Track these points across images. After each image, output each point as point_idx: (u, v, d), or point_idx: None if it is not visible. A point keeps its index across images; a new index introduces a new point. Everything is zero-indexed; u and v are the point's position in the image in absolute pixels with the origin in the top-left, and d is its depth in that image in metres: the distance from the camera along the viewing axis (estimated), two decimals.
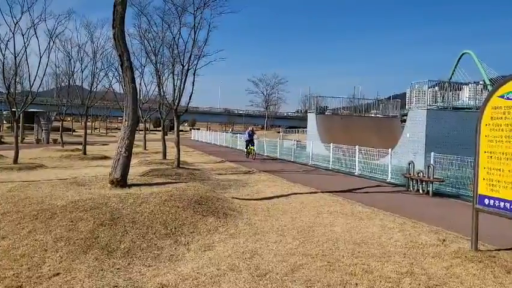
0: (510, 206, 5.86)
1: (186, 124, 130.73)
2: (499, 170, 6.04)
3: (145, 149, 30.68)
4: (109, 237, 6.34)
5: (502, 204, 6.00)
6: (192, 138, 60.82)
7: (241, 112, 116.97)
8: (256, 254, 6.18)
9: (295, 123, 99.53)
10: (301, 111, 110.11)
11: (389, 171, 15.78)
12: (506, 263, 5.87)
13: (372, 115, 35.14)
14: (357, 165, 17.96)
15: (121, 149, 9.23)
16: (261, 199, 10.72)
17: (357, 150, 17.99)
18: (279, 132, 72.45)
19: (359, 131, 28.85)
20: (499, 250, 6.57)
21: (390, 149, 16.57)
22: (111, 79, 30.21)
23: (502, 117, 6.02)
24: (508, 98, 5.92)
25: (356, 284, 5.06)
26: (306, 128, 35.42)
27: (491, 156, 6.19)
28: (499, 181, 6.04)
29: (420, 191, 12.79)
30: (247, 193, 11.66)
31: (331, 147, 20.54)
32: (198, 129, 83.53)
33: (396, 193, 12.97)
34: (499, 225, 7.76)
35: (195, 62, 17.32)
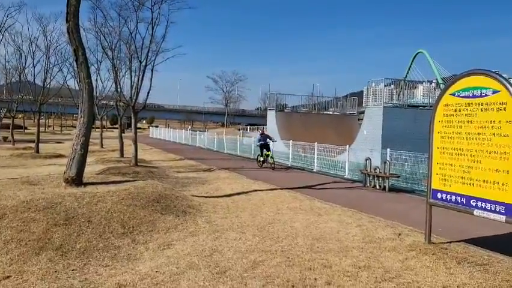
0: (461, 199, 6.08)
1: (144, 121, 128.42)
2: (451, 165, 6.25)
3: (101, 147, 29.99)
4: (64, 238, 6.14)
5: (453, 198, 6.22)
6: (150, 135, 59.93)
7: (200, 109, 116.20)
8: (216, 251, 6.14)
9: (256, 120, 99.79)
10: (261, 108, 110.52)
11: (347, 168, 16.08)
12: (457, 255, 6.10)
13: (331, 113, 35.72)
14: (316, 161, 18.20)
15: (76, 146, 8.95)
16: (221, 196, 10.67)
17: (315, 147, 18.22)
18: (239, 130, 72.41)
19: (317, 128, 29.23)
20: (450, 242, 6.82)
21: (347, 146, 16.88)
22: (66, 75, 29.26)
23: (453, 114, 6.23)
24: (458, 96, 6.14)
25: (315, 278, 5.12)
26: (266, 125, 35.59)
27: (443, 152, 6.41)
28: (450, 176, 6.26)
29: (377, 186, 13.09)
30: (207, 191, 11.59)
31: (290, 144, 20.72)
32: (157, 126, 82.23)
33: (353, 189, 13.22)
34: (451, 218, 8.05)
35: (153, 58, 17.03)
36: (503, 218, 5.44)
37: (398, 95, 25.51)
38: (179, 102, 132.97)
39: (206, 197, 10.49)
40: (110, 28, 19.57)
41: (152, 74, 17.09)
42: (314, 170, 17.93)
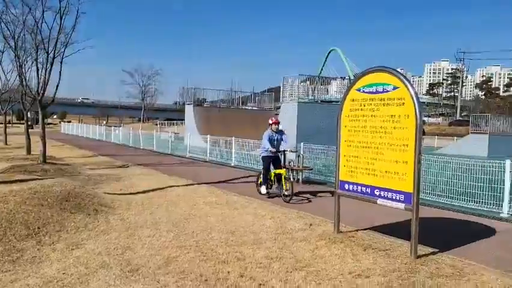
0: (366, 189, 6.45)
1: (55, 117, 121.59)
2: (356, 157, 6.61)
3: (6, 143, 27.91)
4: None
5: (359, 188, 6.58)
6: (62, 131, 56.91)
7: (116, 104, 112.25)
8: (128, 249, 6.00)
9: (174, 115, 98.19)
10: (179, 103, 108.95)
11: None
12: (363, 242, 6.48)
13: (249, 108, 36.13)
14: (233, 156, 18.33)
15: None
16: (135, 193, 10.41)
17: (233, 142, 18.35)
18: (156, 125, 71.03)
19: (236, 123, 29.36)
20: (357, 230, 7.21)
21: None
22: None
23: (358, 109, 6.57)
24: (363, 91, 6.48)
25: (228, 271, 5.17)
26: (184, 120, 35.23)
27: (350, 145, 6.75)
28: (356, 167, 6.61)
29: (292, 179, 13.44)
30: (121, 187, 11.24)
31: (208, 139, 20.67)
32: (69, 122, 78.30)
33: None
34: (358, 208, 8.50)
35: (62, 50, 16.11)
36: (402, 205, 5.85)
37: (313, 91, 26.38)
38: (93, 97, 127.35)
39: (120, 194, 10.17)
40: (13, 16, 18.19)
41: (61, 67, 16.19)
42: (232, 165, 18.06)
